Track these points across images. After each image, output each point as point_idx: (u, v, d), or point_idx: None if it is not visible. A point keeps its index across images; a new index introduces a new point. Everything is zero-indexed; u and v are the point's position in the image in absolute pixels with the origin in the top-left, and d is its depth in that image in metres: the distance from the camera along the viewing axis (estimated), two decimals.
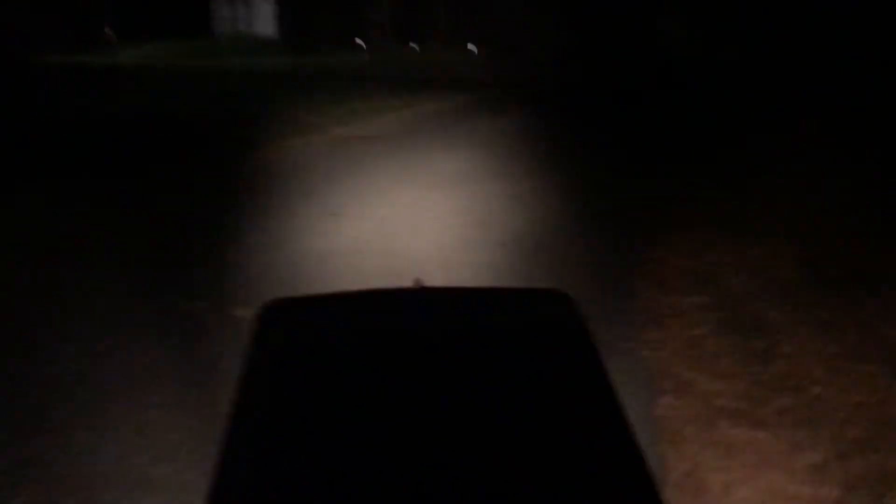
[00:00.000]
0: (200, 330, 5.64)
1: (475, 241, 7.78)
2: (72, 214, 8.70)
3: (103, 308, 5.99)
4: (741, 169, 11.43)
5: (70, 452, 4.09)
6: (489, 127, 15.64)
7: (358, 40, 34.73)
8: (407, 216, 8.73)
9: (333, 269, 6.94)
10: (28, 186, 9.97)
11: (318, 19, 45.93)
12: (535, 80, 25.02)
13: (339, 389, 2.06)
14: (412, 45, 34.03)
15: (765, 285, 6.67)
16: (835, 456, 4.10)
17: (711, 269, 7.04)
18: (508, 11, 32.38)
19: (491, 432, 1.93)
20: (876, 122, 15.47)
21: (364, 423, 1.93)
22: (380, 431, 1.91)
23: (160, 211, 8.94)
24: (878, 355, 5.31)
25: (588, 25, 30.44)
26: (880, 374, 5.05)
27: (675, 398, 4.72)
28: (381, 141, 13.60)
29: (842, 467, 4.01)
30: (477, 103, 19.49)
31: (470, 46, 29.77)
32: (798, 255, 7.40)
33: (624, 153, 12.97)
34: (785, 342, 5.51)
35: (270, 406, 1.99)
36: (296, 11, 46.32)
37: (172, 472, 3.90)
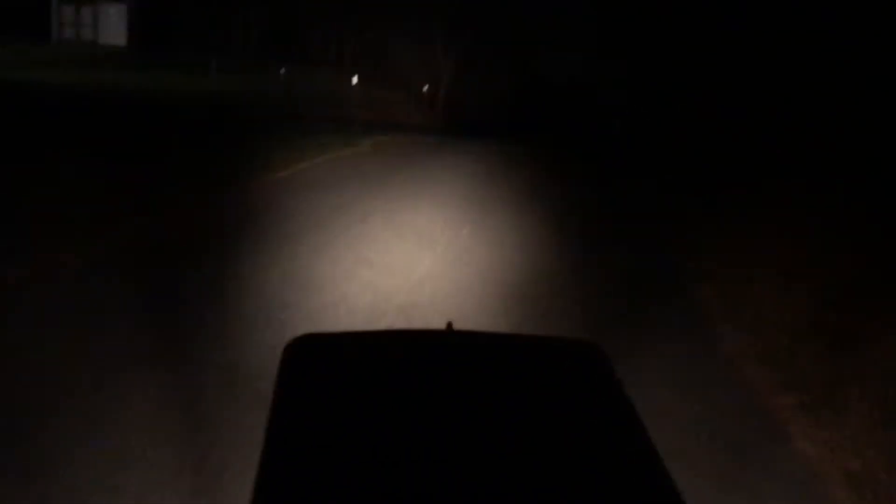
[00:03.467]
0: None
1: None
2: None
3: None
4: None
5: None
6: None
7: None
8: None
9: None
10: None
11: (174, 30, 40.77)
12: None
13: (364, 425, 2.00)
14: (282, 70, 29.44)
15: None
16: None
17: None
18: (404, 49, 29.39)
19: (517, 481, 1.82)
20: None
21: (389, 462, 1.85)
22: (405, 472, 1.82)
23: None
24: None
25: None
26: None
27: None
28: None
29: None
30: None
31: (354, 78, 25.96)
32: None
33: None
34: None
35: (299, 439, 1.93)
36: (149, 19, 40.87)
37: None
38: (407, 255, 7.80)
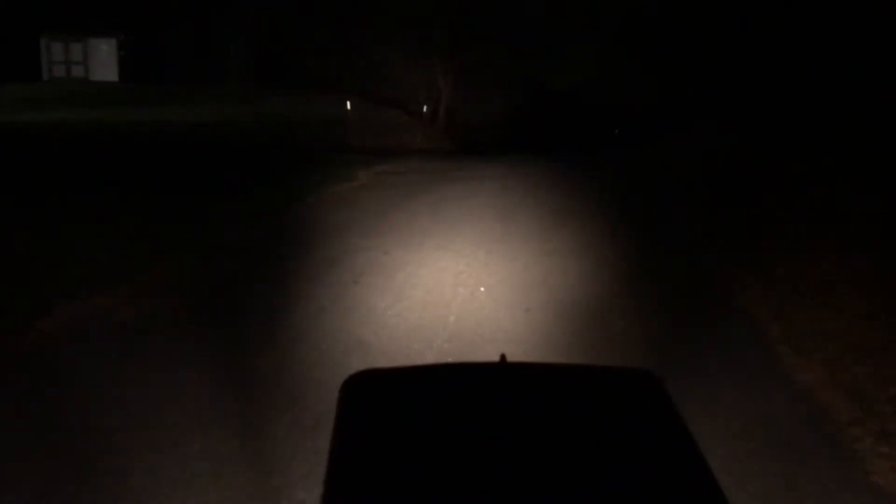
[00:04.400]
0: None
1: None
2: None
3: None
4: None
5: None
6: None
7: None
8: None
9: None
10: None
11: (166, 62, 39.59)
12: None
13: (423, 460, 2.00)
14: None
15: None
16: None
17: None
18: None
19: None
20: None
21: (450, 498, 1.86)
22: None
23: None
24: None
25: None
26: None
27: None
28: None
29: None
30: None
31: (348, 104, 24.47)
32: None
33: None
34: None
35: (359, 476, 1.94)
36: (141, 53, 39.70)
37: None
38: (405, 338, 6.10)
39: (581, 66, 28.30)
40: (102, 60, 40.31)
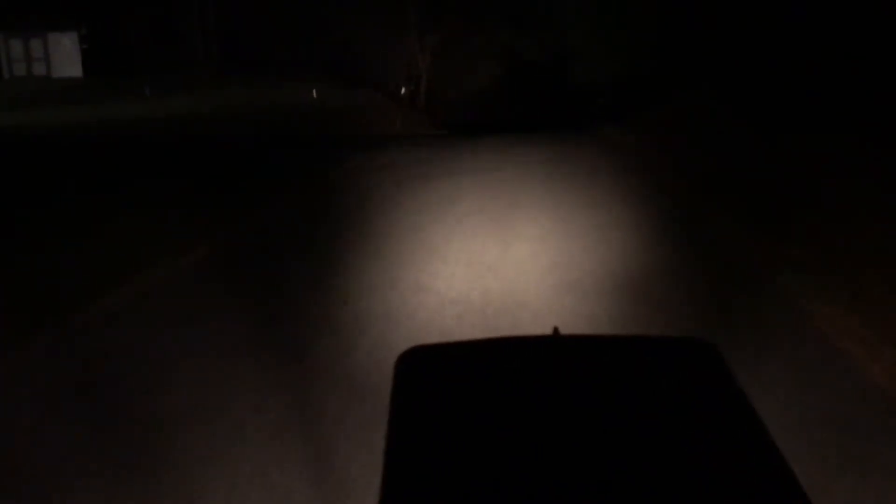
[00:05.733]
0: None
1: None
2: None
3: None
4: None
5: None
6: None
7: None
8: None
9: None
10: None
11: (131, 52, 37.42)
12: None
13: (480, 434, 1.97)
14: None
15: None
16: None
17: None
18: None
19: (638, 486, 1.75)
20: None
21: (509, 471, 1.83)
22: (525, 481, 1.79)
23: None
24: None
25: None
26: None
27: None
28: None
29: None
30: None
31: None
32: None
33: None
34: None
35: (418, 451, 1.92)
36: (104, 45, 37.48)
37: None
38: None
39: (564, 37, 26.54)
40: (64, 55, 38.14)
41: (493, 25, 25.74)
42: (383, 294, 6.76)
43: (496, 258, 7.75)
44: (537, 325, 5.78)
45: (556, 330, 2.59)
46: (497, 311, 6.28)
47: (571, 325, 5.74)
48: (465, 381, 2.21)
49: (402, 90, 24.93)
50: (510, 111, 24.90)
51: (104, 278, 7.21)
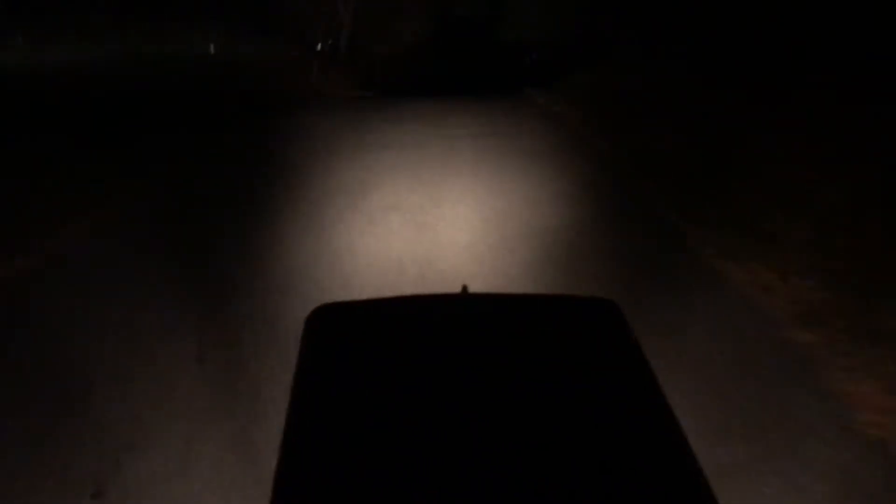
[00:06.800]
0: None
1: None
2: None
3: None
4: None
5: None
6: None
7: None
8: None
9: None
10: None
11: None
12: None
13: (386, 390, 1.99)
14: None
15: None
16: None
17: None
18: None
19: (534, 439, 1.81)
20: None
21: (411, 426, 1.84)
22: (426, 434, 1.81)
23: None
24: None
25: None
26: None
27: None
28: None
29: None
30: None
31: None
32: None
33: None
34: None
35: (322, 409, 1.91)
36: None
37: None
38: None
39: None
40: None
41: None
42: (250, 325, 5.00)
43: (417, 285, 6.03)
44: None
45: (464, 288, 2.67)
46: None
47: None
48: (373, 338, 2.23)
49: (319, 45, 22.55)
50: (437, 70, 23.14)
51: None
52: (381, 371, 2.04)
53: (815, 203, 7.54)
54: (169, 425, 4.01)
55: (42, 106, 14.00)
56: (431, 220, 7.61)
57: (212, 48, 19.64)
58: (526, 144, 11.77)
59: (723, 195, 8.11)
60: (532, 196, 8.46)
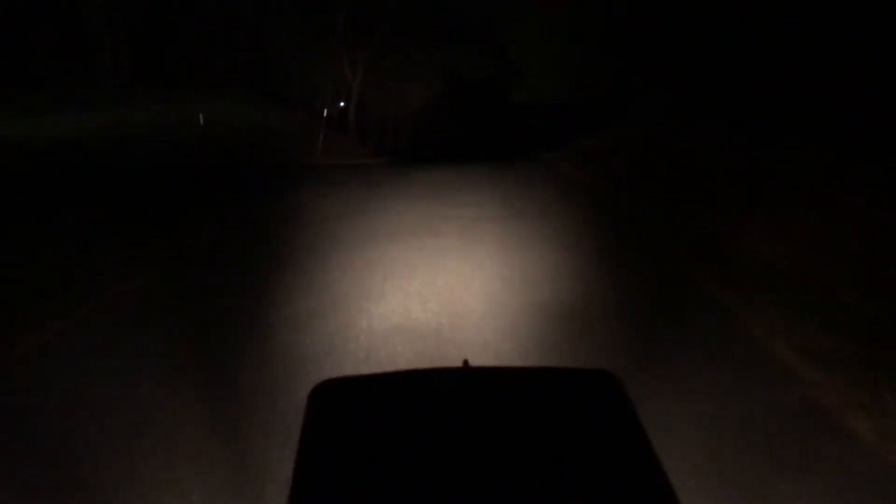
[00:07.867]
0: None
1: None
2: None
3: None
4: None
5: None
6: None
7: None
8: None
9: None
10: None
11: (34, 63, 33.20)
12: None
13: (388, 465, 1.97)
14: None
15: None
16: None
17: None
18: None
19: None
20: None
21: (413, 501, 1.84)
22: None
23: None
24: None
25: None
26: None
27: None
28: None
29: None
30: None
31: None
32: None
33: None
34: None
35: (325, 482, 1.90)
36: (2, 55, 33.20)
37: None
38: None
39: (504, 54, 23.93)
40: None
41: (430, 39, 22.76)
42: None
43: None
44: None
45: (465, 362, 2.64)
46: None
47: None
48: (376, 413, 2.20)
49: (325, 111, 21.46)
50: (447, 135, 22.26)
51: None
52: (383, 446, 2.04)
53: None
54: None
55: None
56: (453, 350, 6.13)
57: (201, 118, 18.73)
58: (556, 225, 10.39)
59: None
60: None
